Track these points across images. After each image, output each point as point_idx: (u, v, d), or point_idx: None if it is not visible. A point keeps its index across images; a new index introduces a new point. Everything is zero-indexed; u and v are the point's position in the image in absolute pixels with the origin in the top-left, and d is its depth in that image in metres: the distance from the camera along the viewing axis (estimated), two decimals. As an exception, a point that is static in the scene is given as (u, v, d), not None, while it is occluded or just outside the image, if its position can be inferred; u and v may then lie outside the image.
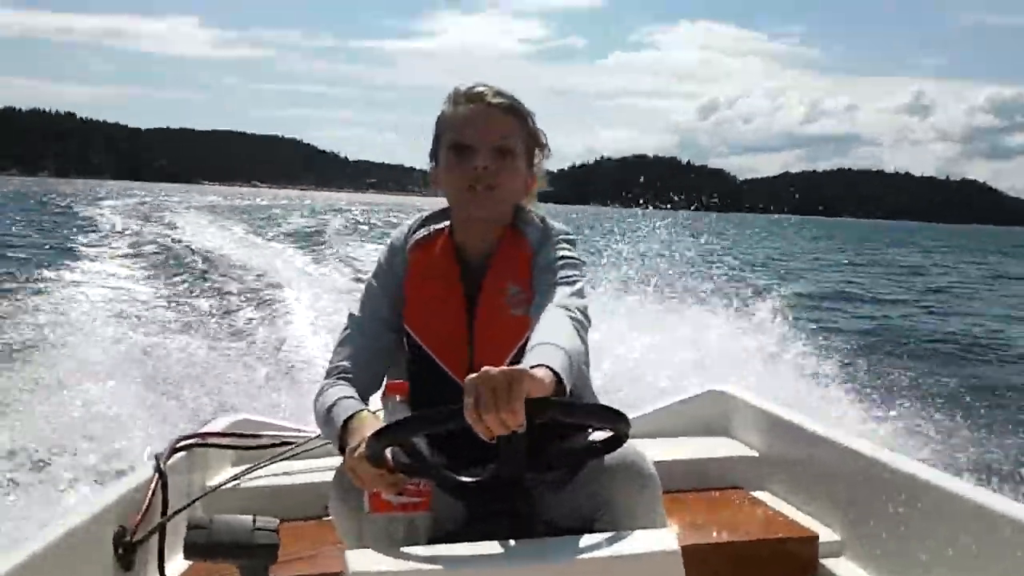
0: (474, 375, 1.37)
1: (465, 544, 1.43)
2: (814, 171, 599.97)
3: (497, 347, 1.83)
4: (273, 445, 2.95)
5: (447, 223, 1.95)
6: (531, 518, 1.57)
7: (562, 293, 1.79)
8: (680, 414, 3.14)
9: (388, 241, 1.99)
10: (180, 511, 2.30)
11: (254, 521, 1.60)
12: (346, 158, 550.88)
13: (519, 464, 1.52)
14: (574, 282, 1.84)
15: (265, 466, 2.86)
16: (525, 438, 1.47)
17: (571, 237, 1.96)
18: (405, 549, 1.47)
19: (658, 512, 1.80)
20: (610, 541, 1.44)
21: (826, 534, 2.45)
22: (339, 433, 1.70)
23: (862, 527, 2.34)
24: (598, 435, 1.72)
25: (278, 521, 1.64)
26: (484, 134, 1.82)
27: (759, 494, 2.79)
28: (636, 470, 1.76)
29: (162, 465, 2.42)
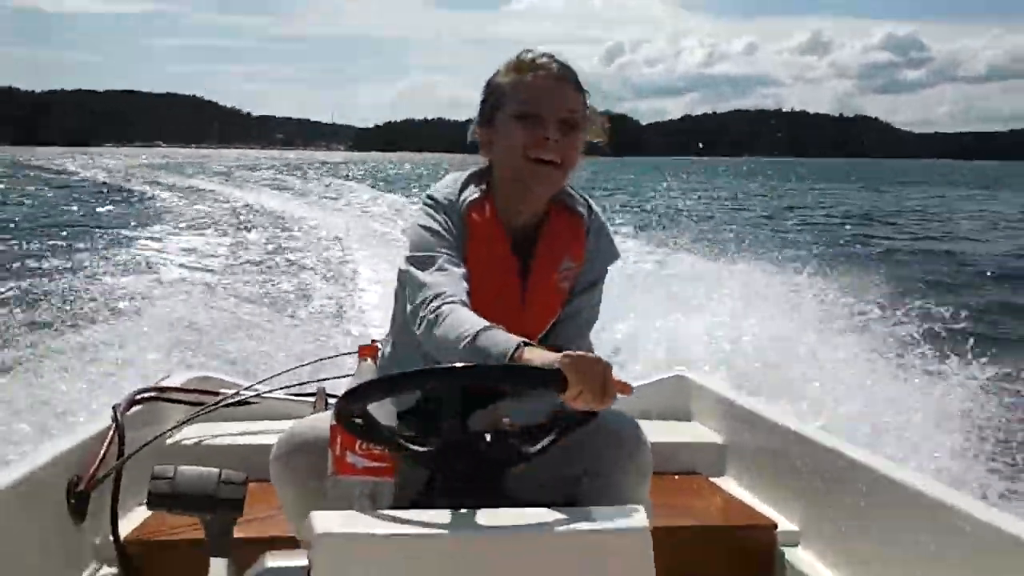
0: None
1: (434, 511, 1.37)
2: (715, 112, 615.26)
3: (542, 317, 1.87)
4: (234, 403, 2.92)
5: (484, 186, 1.86)
6: (501, 487, 1.51)
7: (585, 340, 1.92)
8: (643, 397, 2.96)
9: (430, 197, 1.85)
10: (131, 456, 2.32)
11: (220, 474, 1.54)
12: (249, 114, 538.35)
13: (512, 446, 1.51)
14: (593, 322, 1.97)
15: (225, 423, 2.87)
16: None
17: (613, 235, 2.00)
18: (372, 512, 1.41)
19: (644, 485, 1.78)
20: (579, 515, 1.40)
21: (784, 523, 2.44)
22: (508, 355, 1.49)
23: (821, 517, 2.33)
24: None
25: (245, 476, 1.60)
26: (553, 106, 1.77)
27: (719, 481, 2.77)
28: (630, 437, 1.75)
29: (119, 416, 2.40)
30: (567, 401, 1.41)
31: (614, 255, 1.98)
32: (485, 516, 1.37)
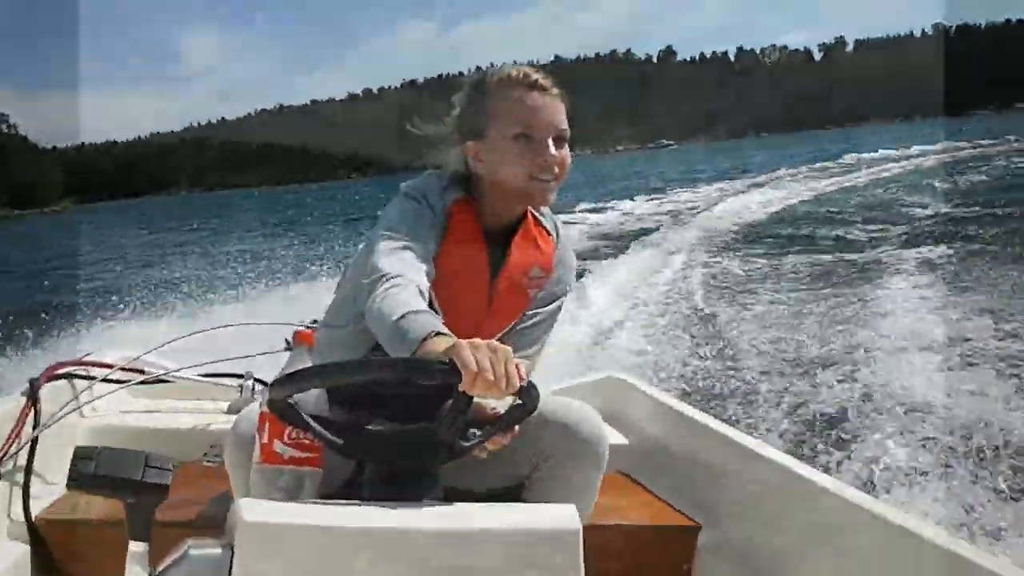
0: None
1: (361, 504, 1.37)
2: None
3: (505, 317, 1.94)
4: (157, 381, 2.91)
5: (464, 192, 1.91)
6: (433, 479, 1.50)
7: (536, 349, 1.98)
8: (575, 396, 2.60)
9: (413, 188, 1.89)
10: (44, 429, 2.32)
11: (147, 457, 1.47)
12: None
13: (454, 429, 1.47)
14: (545, 337, 2.01)
15: (148, 401, 2.89)
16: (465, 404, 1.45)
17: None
18: (298, 503, 1.43)
19: (597, 478, 1.84)
20: (511, 512, 1.40)
21: (707, 526, 2.42)
22: (416, 344, 1.46)
23: (743, 523, 2.30)
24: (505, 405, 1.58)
25: (172, 460, 1.54)
26: (549, 125, 1.82)
27: (644, 481, 2.74)
28: (587, 427, 1.81)
29: (36, 391, 2.38)
30: (467, 390, 1.35)
31: (572, 282, 2.06)
32: (411, 510, 1.34)
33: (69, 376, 2.68)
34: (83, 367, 2.76)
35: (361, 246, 1.96)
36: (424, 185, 1.89)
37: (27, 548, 2.22)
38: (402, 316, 1.51)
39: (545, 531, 1.34)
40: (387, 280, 1.62)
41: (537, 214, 1.96)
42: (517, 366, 1.36)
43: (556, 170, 1.82)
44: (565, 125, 1.84)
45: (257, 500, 1.36)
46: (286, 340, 2.91)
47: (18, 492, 2.24)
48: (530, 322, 1.98)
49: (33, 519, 2.24)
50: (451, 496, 1.49)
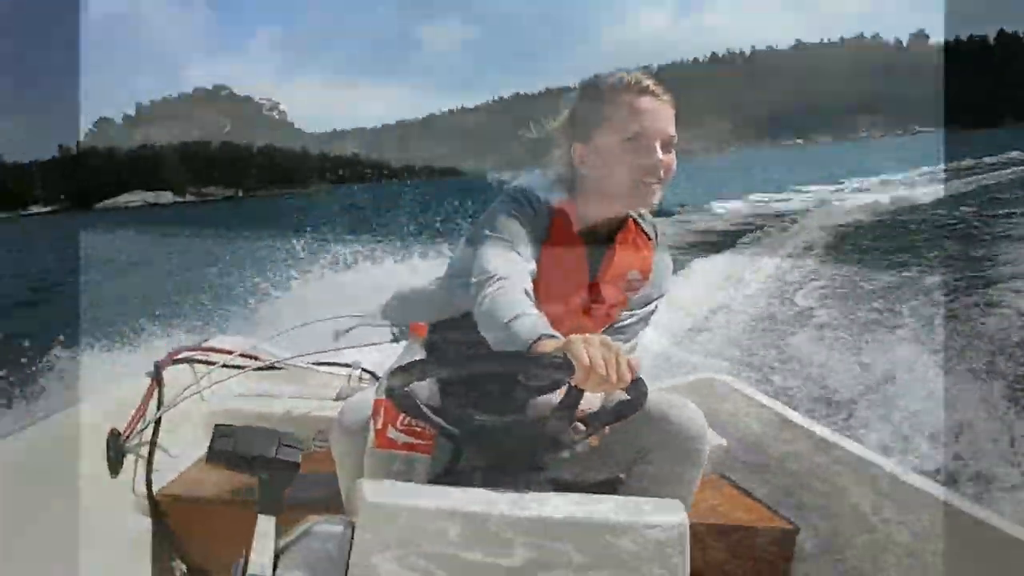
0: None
1: (471, 490, 1.41)
2: None
3: (599, 323, 1.98)
4: (271, 368, 3.08)
5: (568, 193, 1.93)
6: (540, 468, 1.55)
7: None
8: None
9: (522, 190, 1.92)
10: (168, 410, 2.47)
11: (279, 437, 1.60)
12: None
13: (563, 423, 1.52)
14: (635, 338, 2.06)
15: (261, 388, 3.07)
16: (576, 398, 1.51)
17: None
18: (414, 485, 1.47)
19: (696, 478, 1.84)
20: (618, 505, 1.40)
21: (805, 529, 2.41)
22: (526, 346, 1.51)
23: (842, 528, 2.28)
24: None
25: (302, 440, 1.65)
26: (658, 129, 1.84)
27: (741, 482, 2.74)
28: (691, 427, 1.80)
29: (160, 373, 2.54)
30: (580, 384, 1.39)
31: (666, 288, 2.08)
32: (524, 497, 1.37)
33: (189, 360, 2.84)
34: (202, 352, 2.93)
35: (462, 240, 2.02)
36: (528, 185, 1.93)
37: (149, 521, 2.36)
38: (513, 318, 1.55)
39: (655, 525, 1.34)
40: (495, 281, 1.67)
41: (637, 217, 1.99)
42: (628, 362, 1.38)
43: (661, 173, 1.84)
44: (673, 131, 1.86)
45: (378, 481, 1.41)
46: (392, 333, 2.99)
47: (142, 468, 2.38)
48: (624, 323, 2.03)
49: (155, 493, 2.38)
50: (551, 485, 1.52)
